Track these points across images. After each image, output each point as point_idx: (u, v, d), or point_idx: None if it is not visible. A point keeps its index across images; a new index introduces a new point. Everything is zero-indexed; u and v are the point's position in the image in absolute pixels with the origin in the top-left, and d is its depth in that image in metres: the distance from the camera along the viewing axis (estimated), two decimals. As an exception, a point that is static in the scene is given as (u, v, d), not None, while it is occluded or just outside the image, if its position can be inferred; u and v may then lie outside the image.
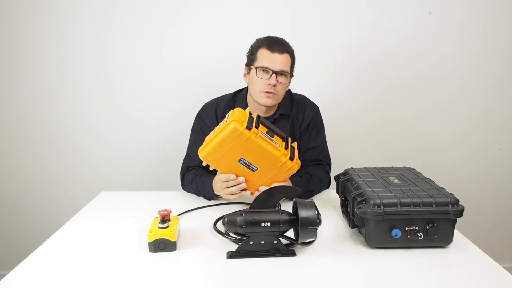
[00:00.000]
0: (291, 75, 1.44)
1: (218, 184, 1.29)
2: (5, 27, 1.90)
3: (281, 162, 1.18)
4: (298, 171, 1.27)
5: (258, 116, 1.22)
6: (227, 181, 1.25)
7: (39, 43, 1.92)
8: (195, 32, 1.93)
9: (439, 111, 2.06)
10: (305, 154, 1.50)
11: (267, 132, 1.20)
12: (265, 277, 0.91)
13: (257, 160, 1.19)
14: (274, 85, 1.37)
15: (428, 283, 0.88)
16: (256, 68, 1.38)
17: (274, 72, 1.36)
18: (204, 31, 1.93)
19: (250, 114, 1.21)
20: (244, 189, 1.27)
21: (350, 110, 2.05)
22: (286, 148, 1.20)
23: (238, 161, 1.20)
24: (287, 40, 1.43)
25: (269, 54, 1.37)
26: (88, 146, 2.05)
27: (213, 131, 1.23)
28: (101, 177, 2.08)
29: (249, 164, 1.20)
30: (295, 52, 1.45)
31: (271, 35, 1.44)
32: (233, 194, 1.27)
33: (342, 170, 1.31)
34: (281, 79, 1.39)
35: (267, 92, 1.38)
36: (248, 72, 1.44)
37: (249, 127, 1.13)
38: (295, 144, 1.28)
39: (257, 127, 1.16)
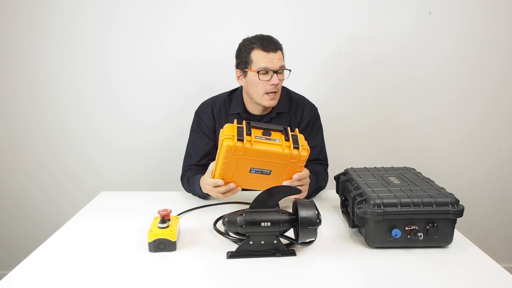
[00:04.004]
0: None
1: (207, 186, 1.27)
2: (5, 27, 1.90)
3: (287, 155, 1.15)
4: None
5: (248, 123, 1.20)
6: (216, 186, 1.22)
7: (39, 43, 1.92)
8: (195, 32, 1.93)
9: (439, 110, 2.06)
10: None
11: (263, 134, 1.18)
12: (265, 277, 0.91)
13: (266, 164, 1.17)
14: (277, 84, 1.37)
15: (428, 283, 0.88)
16: (258, 72, 1.36)
17: (274, 71, 1.36)
18: (204, 31, 1.93)
19: (239, 125, 1.19)
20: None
21: (351, 110, 2.05)
22: (287, 139, 1.18)
23: (250, 171, 1.19)
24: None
25: (265, 54, 1.36)
26: (88, 146, 2.05)
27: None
28: (101, 177, 2.08)
29: (261, 170, 1.19)
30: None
31: (258, 33, 1.42)
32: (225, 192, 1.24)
33: (342, 170, 1.31)
34: (281, 76, 1.40)
35: (271, 93, 1.38)
36: (244, 75, 1.42)
37: (240, 138, 1.12)
38: (296, 132, 1.24)
39: (249, 134, 1.15)
